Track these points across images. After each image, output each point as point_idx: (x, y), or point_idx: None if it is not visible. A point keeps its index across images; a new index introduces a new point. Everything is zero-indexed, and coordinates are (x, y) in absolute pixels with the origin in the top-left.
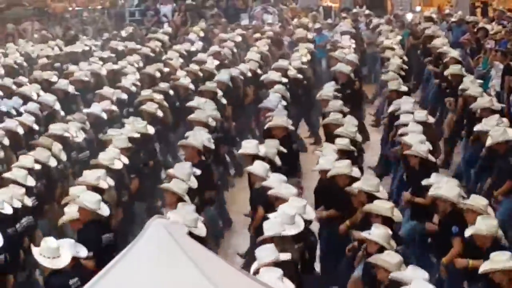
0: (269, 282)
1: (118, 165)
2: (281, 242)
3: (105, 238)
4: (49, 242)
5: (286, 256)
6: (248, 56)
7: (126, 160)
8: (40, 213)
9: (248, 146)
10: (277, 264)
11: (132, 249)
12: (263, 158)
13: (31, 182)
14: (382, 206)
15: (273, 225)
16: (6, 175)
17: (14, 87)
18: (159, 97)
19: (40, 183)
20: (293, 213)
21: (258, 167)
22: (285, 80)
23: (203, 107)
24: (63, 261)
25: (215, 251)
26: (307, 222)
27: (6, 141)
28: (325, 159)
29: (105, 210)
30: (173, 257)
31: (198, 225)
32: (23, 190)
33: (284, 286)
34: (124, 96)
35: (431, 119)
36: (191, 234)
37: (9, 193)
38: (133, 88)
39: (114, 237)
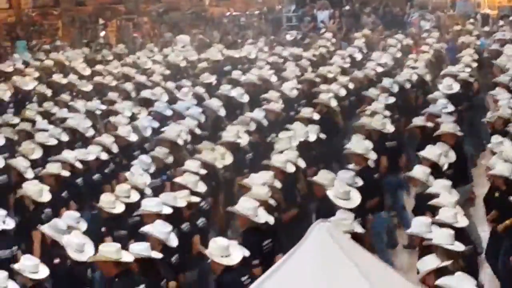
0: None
1: (290, 168)
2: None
3: (265, 245)
4: (219, 241)
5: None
6: (415, 63)
7: (302, 164)
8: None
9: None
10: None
11: (296, 251)
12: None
13: (201, 188)
14: None
15: (442, 235)
16: (177, 180)
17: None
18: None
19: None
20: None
21: (419, 171)
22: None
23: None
24: (234, 259)
25: None
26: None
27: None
28: (504, 165)
29: (262, 217)
30: (335, 259)
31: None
32: (187, 191)
33: None
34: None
35: None
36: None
37: (175, 193)
38: (294, 92)
39: (272, 243)
